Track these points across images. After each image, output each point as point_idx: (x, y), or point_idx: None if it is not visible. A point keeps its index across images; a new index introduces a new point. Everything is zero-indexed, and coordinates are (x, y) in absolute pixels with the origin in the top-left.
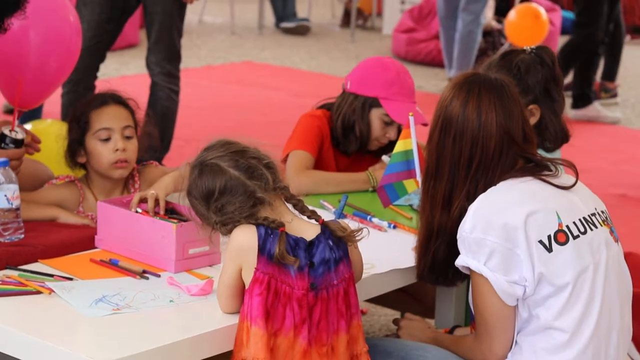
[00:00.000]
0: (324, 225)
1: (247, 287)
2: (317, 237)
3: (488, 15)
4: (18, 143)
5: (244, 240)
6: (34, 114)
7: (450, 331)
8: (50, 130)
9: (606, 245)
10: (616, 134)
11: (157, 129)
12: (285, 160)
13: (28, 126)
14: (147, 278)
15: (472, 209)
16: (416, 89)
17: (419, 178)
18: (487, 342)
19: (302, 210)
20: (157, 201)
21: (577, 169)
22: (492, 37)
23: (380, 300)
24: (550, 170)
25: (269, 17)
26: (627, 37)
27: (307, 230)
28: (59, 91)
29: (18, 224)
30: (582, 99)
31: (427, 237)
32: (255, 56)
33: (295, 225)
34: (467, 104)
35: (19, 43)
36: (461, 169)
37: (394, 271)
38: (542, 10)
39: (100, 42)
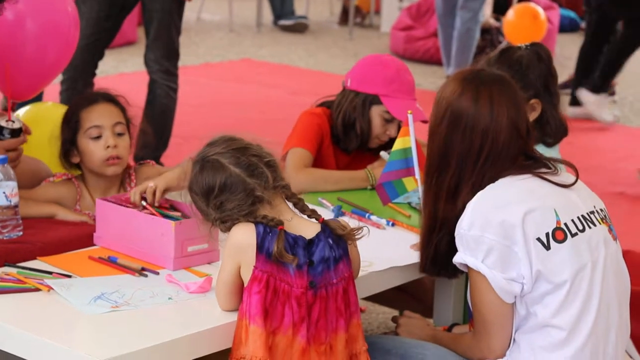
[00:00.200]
0: (324, 223)
1: (245, 284)
2: (317, 235)
3: (486, 13)
4: (15, 133)
5: (243, 238)
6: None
7: (449, 329)
8: (51, 114)
9: (605, 243)
10: (614, 132)
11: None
12: (284, 157)
13: (23, 111)
14: (145, 275)
15: (470, 206)
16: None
17: (417, 176)
18: (485, 340)
19: (303, 209)
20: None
21: (576, 167)
22: (490, 34)
23: (379, 299)
24: (549, 168)
25: (267, 14)
26: None
27: (307, 228)
28: (58, 88)
29: (17, 221)
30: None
31: (430, 229)
32: (253, 54)
33: (294, 223)
34: (478, 97)
35: (13, 33)
36: (469, 161)
37: (393, 269)
38: (540, 10)
39: (98, 40)
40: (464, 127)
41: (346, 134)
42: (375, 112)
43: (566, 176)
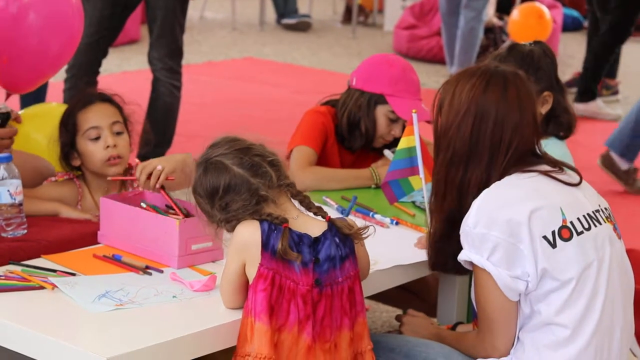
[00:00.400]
0: (331, 222)
1: (250, 282)
2: (324, 233)
3: (489, 12)
4: (3, 117)
5: (248, 235)
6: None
7: (453, 328)
8: (55, 113)
9: (610, 242)
10: None
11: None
12: (289, 156)
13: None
14: (150, 274)
15: (476, 203)
16: None
17: (422, 175)
18: (489, 338)
19: (308, 206)
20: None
21: (579, 165)
22: (493, 34)
23: (383, 297)
24: (554, 166)
25: (270, 13)
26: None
27: (313, 226)
28: (61, 86)
29: (21, 219)
30: (587, 94)
31: (452, 225)
32: (256, 52)
33: (300, 221)
34: (506, 92)
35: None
36: (499, 156)
37: (397, 267)
38: (545, 9)
39: (102, 38)
40: (494, 122)
41: (351, 133)
42: (381, 112)
43: (571, 175)
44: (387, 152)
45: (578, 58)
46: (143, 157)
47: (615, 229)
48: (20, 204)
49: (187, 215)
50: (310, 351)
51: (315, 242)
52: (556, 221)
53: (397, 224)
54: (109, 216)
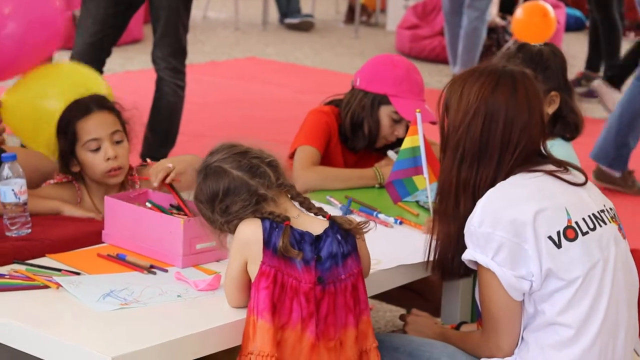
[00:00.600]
0: (332, 219)
1: (252, 280)
2: (325, 231)
3: (492, 12)
4: None
5: (249, 233)
6: None
7: (457, 327)
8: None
9: (615, 242)
10: None
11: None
12: (292, 155)
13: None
14: (154, 273)
15: (481, 203)
16: None
17: (426, 175)
18: (493, 338)
19: (309, 207)
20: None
21: (583, 165)
22: (496, 33)
23: (386, 297)
24: (559, 166)
25: (273, 13)
26: (631, 35)
27: (315, 225)
28: None
29: (25, 218)
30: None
31: (463, 227)
32: (259, 52)
33: (301, 220)
34: (516, 92)
35: None
36: (508, 154)
37: (401, 267)
38: (549, 8)
39: (105, 37)
40: (504, 121)
41: (354, 133)
42: (384, 112)
43: (577, 174)
44: (390, 152)
45: (580, 58)
46: (145, 156)
47: (620, 229)
48: (25, 203)
49: (194, 215)
50: (314, 349)
51: (317, 239)
52: (561, 221)
53: (401, 223)
54: (113, 215)
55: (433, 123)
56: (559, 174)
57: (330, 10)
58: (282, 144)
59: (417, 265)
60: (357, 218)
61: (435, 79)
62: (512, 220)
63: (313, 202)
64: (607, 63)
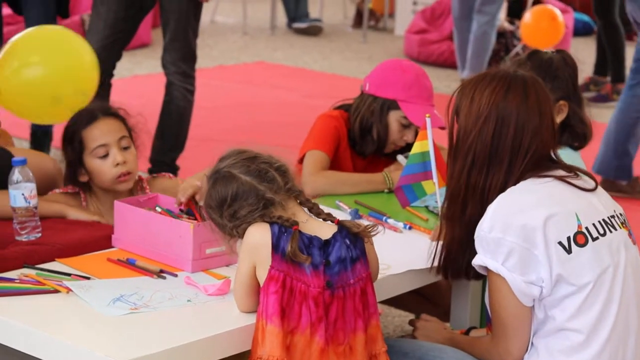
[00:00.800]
0: (340, 224)
1: (261, 285)
2: (334, 236)
3: (501, 16)
4: None
5: (258, 237)
6: None
7: (466, 332)
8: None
9: (625, 247)
10: None
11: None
12: (301, 160)
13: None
14: (164, 278)
15: (492, 208)
16: None
17: (435, 180)
18: (503, 343)
19: (318, 213)
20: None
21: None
22: (504, 38)
23: (395, 302)
24: (571, 171)
25: (281, 17)
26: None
27: (323, 229)
28: None
29: (35, 222)
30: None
31: (472, 232)
32: (267, 56)
33: (310, 225)
34: (527, 97)
35: None
36: (519, 159)
37: (410, 272)
38: (558, 12)
39: (116, 40)
40: (515, 126)
41: (363, 138)
42: (393, 117)
43: (587, 180)
44: (400, 157)
45: (589, 63)
46: (154, 160)
47: (630, 234)
48: (35, 207)
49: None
50: (324, 354)
51: (326, 244)
52: (571, 227)
53: (410, 228)
54: (123, 220)
55: (442, 128)
56: (569, 180)
57: (338, 15)
58: (290, 148)
59: (426, 270)
60: (365, 223)
61: (444, 83)
62: (522, 226)
63: (322, 208)
64: (613, 68)
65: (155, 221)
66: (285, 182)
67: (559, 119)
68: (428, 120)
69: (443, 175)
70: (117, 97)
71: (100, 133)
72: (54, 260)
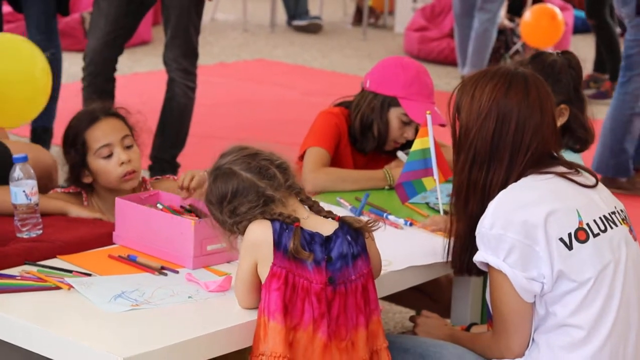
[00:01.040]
0: (341, 220)
1: (263, 282)
2: (335, 232)
3: (501, 13)
4: None
5: (259, 233)
6: (47, 116)
7: (467, 329)
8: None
9: (626, 243)
10: None
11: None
12: (302, 157)
13: None
14: (165, 274)
15: (493, 205)
16: None
17: (436, 176)
18: (504, 339)
19: (318, 211)
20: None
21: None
22: (504, 35)
23: (396, 298)
24: (571, 168)
25: (281, 14)
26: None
27: (324, 225)
28: (75, 87)
29: (36, 219)
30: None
31: (475, 227)
32: (267, 54)
33: (311, 221)
34: (528, 95)
35: None
36: (520, 156)
37: (411, 268)
38: (557, 11)
39: (117, 36)
40: (516, 123)
41: (363, 135)
42: (393, 115)
43: (587, 177)
44: (400, 153)
45: (589, 60)
46: (155, 158)
47: (631, 230)
48: (36, 204)
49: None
50: (327, 350)
51: (327, 240)
52: (572, 223)
53: (411, 225)
54: (124, 217)
55: (442, 125)
56: (570, 176)
57: (338, 12)
58: (290, 145)
59: (427, 266)
60: (366, 219)
61: (444, 81)
62: (523, 222)
63: (322, 205)
64: (610, 66)
65: (157, 218)
66: (285, 180)
67: (559, 122)
68: (428, 117)
69: (443, 171)
70: (117, 95)
71: (102, 133)
72: (55, 257)
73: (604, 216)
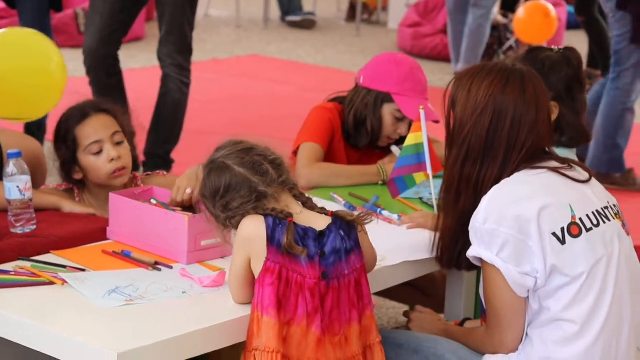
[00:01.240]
0: (334, 215)
1: (256, 277)
2: (328, 227)
3: (494, 9)
4: None
5: (252, 228)
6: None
7: (461, 324)
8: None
9: (618, 238)
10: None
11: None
12: (296, 152)
13: None
14: (159, 270)
15: (486, 200)
16: None
17: (429, 171)
18: (497, 334)
19: (312, 207)
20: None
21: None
22: (498, 31)
23: (389, 294)
24: (564, 163)
25: (275, 10)
26: None
27: (318, 220)
28: (79, 82)
29: (30, 215)
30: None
31: (467, 222)
32: (261, 50)
33: (304, 216)
34: (524, 91)
35: None
36: (515, 152)
37: (405, 263)
38: (551, 7)
39: (114, 32)
40: (512, 119)
41: (357, 130)
42: (387, 110)
43: (580, 171)
44: (394, 148)
45: (582, 55)
46: (148, 153)
47: (623, 225)
48: (30, 200)
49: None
50: (320, 344)
51: (321, 235)
52: (565, 218)
53: None
54: (118, 212)
55: (436, 122)
56: (562, 171)
57: (331, 8)
58: (284, 141)
59: (421, 261)
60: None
61: (437, 77)
62: (516, 217)
63: (315, 202)
64: (602, 61)
65: (150, 213)
66: (279, 175)
67: None
68: (422, 112)
69: (434, 167)
70: None
71: (92, 130)
72: (49, 252)
73: (597, 211)
